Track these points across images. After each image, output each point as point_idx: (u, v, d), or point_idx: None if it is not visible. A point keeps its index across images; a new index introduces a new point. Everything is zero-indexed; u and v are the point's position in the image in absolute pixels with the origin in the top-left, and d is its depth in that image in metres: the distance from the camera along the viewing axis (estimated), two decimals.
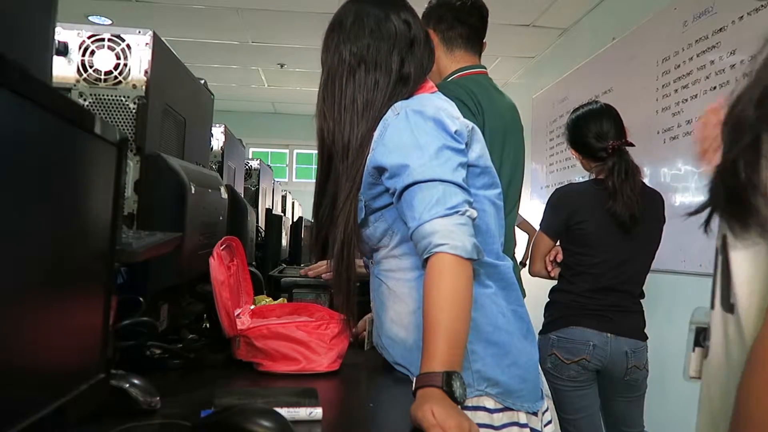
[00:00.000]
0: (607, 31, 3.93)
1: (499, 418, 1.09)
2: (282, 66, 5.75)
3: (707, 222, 0.73)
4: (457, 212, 1.01)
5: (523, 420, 1.11)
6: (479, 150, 1.16)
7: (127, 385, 0.86)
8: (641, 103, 3.44)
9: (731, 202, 0.68)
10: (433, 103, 1.13)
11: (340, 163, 1.16)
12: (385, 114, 1.13)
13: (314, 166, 7.83)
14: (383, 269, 1.19)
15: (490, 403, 1.09)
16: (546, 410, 1.18)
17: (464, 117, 1.17)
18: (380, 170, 1.10)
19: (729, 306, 0.73)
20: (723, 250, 0.73)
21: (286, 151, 8.18)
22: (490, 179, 1.18)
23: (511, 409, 1.10)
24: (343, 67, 1.18)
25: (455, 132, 1.09)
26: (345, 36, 1.19)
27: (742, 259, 0.70)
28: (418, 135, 1.06)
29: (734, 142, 0.67)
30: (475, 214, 1.04)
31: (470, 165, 1.12)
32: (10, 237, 0.47)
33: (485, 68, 2.02)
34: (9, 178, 0.46)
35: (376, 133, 1.13)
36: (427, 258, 1.00)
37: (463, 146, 1.09)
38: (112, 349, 0.72)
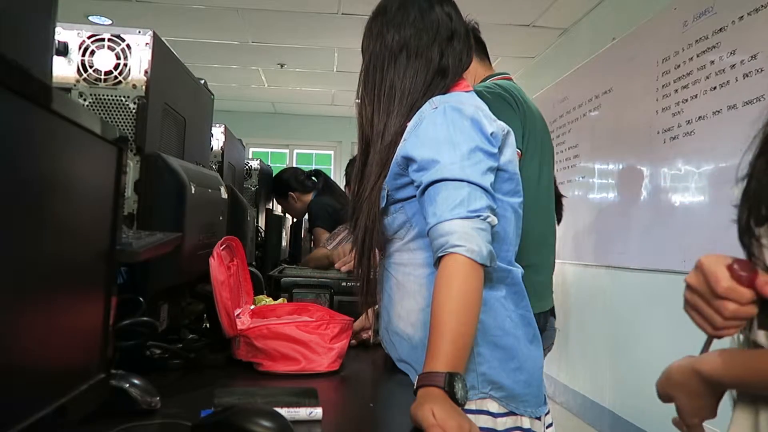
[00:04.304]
0: (607, 31, 3.93)
1: (502, 422, 1.08)
2: (282, 66, 5.75)
3: (743, 235, 0.72)
4: (478, 216, 1.00)
5: (527, 425, 1.10)
6: (510, 155, 1.16)
7: (127, 385, 0.86)
8: (641, 103, 3.44)
9: None
10: (471, 102, 1.13)
11: (373, 149, 1.17)
12: (422, 106, 1.13)
13: (314, 166, 7.87)
14: (395, 262, 1.19)
15: (493, 407, 1.08)
16: (547, 413, 1.18)
17: (507, 112, 1.17)
18: (409, 161, 1.10)
19: None
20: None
21: (286, 151, 8.18)
22: (515, 186, 1.17)
23: (515, 414, 1.09)
24: (384, 53, 1.19)
25: (491, 134, 1.08)
26: (389, 22, 1.20)
27: None
28: (454, 132, 1.06)
29: None
30: (495, 221, 1.03)
31: (499, 169, 1.12)
32: (11, 237, 0.47)
33: (507, 74, 2.07)
34: (9, 177, 0.46)
35: (410, 124, 1.13)
36: (441, 257, 0.99)
37: (495, 150, 1.09)
38: (112, 349, 0.72)
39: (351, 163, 2.83)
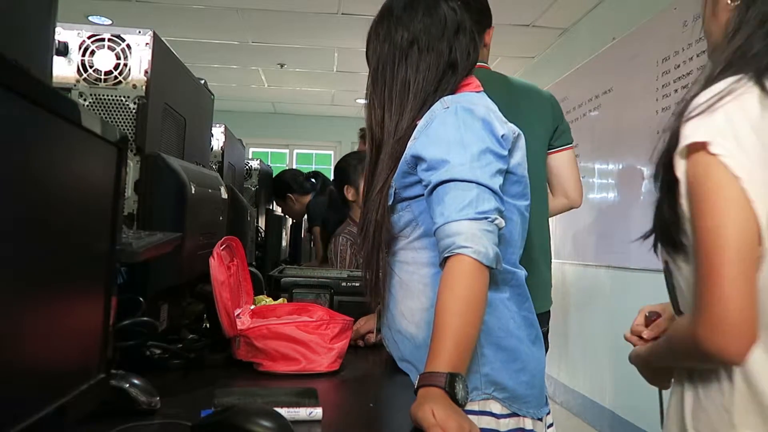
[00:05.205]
0: (607, 31, 3.93)
1: (505, 424, 1.08)
2: (282, 66, 5.75)
3: (655, 246, 0.95)
4: (486, 218, 1.00)
5: (529, 426, 1.10)
6: (519, 158, 1.16)
7: (127, 385, 0.86)
8: (641, 103, 3.44)
9: (664, 236, 0.91)
10: (483, 102, 1.13)
11: (384, 149, 1.17)
12: (433, 102, 1.13)
13: (314, 167, 7.89)
14: (399, 260, 1.19)
15: (496, 408, 1.08)
16: (548, 413, 1.18)
17: None
18: (418, 160, 1.09)
19: (679, 312, 0.97)
20: (667, 268, 0.95)
21: (286, 151, 8.18)
22: (523, 189, 1.17)
23: (518, 415, 1.09)
24: (394, 52, 1.18)
25: (502, 136, 1.08)
26: (396, 21, 1.20)
27: (682, 277, 0.91)
28: (464, 133, 1.06)
29: (660, 186, 0.90)
30: (503, 223, 1.03)
31: (508, 171, 1.12)
32: (10, 237, 0.47)
33: (482, 63, 1.88)
34: (9, 178, 0.46)
35: (420, 123, 1.13)
36: (447, 257, 0.99)
37: (505, 153, 1.09)
38: (112, 349, 0.72)
39: (338, 170, 2.75)
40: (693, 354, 0.84)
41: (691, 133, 0.82)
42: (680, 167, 0.84)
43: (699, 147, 0.81)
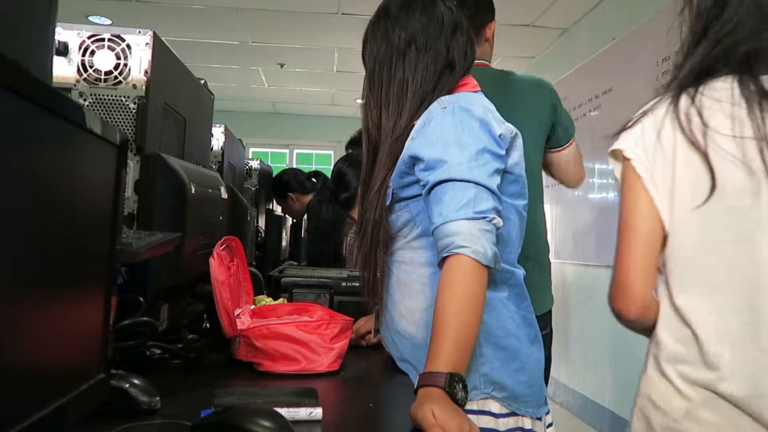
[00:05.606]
0: (607, 31, 3.94)
1: (504, 423, 1.08)
2: (282, 66, 5.75)
3: None
4: (484, 218, 1.00)
5: (528, 425, 1.10)
6: (517, 157, 1.16)
7: (127, 385, 0.86)
8: (641, 103, 3.43)
9: None
10: (480, 103, 1.13)
11: (382, 149, 1.17)
12: (431, 102, 1.13)
13: (314, 166, 7.89)
14: (396, 260, 1.19)
15: (495, 407, 1.08)
16: (548, 413, 1.18)
17: None
18: (416, 160, 1.09)
19: None
20: None
21: (286, 151, 8.18)
22: (521, 189, 1.17)
23: (517, 414, 1.09)
24: (392, 51, 1.18)
25: (499, 136, 1.08)
26: (393, 21, 1.20)
27: None
28: (462, 133, 1.06)
29: None
30: (501, 223, 1.03)
31: (505, 171, 1.12)
32: (10, 237, 0.47)
33: (483, 60, 1.89)
34: (9, 178, 0.46)
35: (418, 123, 1.13)
36: (446, 257, 0.99)
37: (503, 152, 1.09)
38: (112, 349, 0.72)
39: (339, 173, 2.71)
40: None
41: (616, 142, 1.05)
42: (616, 168, 1.07)
43: (620, 153, 1.04)
